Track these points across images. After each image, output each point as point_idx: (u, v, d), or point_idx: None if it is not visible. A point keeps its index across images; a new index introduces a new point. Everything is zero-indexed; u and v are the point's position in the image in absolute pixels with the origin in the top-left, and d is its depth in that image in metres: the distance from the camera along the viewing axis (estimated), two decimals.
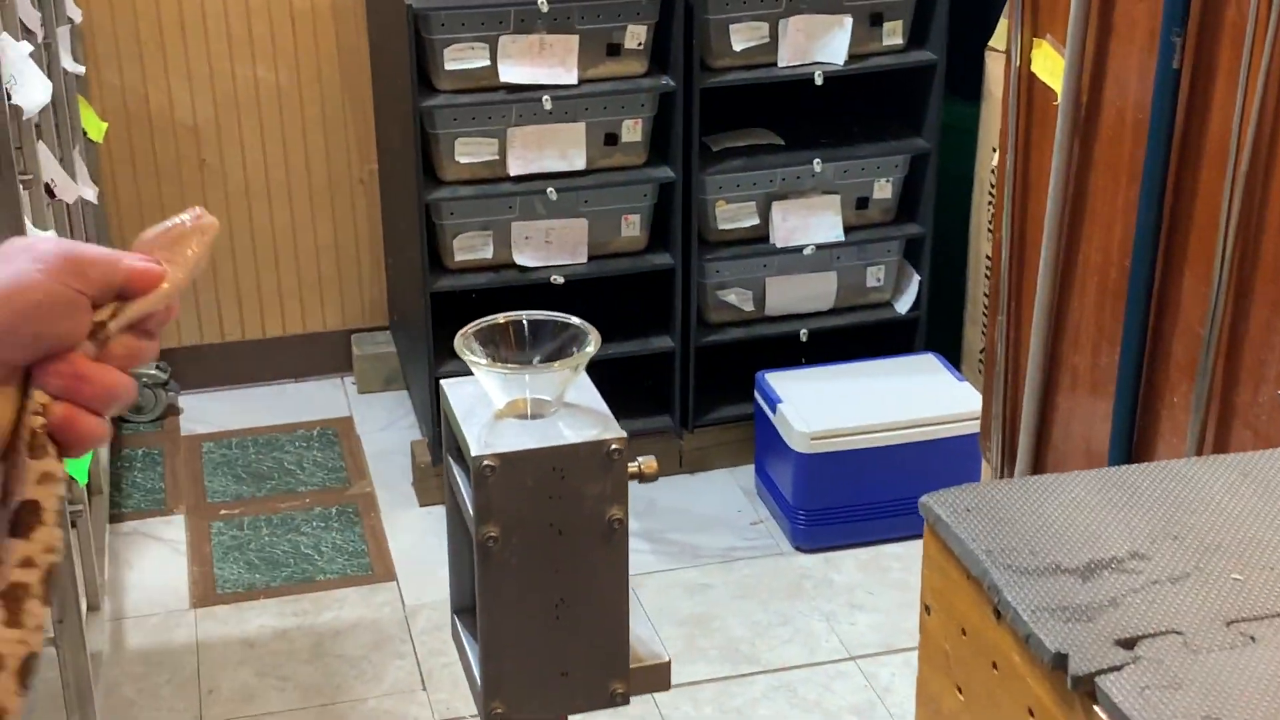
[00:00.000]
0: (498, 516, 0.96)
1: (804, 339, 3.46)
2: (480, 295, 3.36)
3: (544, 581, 0.99)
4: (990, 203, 3.45)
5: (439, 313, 3.28)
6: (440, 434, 0.99)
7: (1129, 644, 1.09)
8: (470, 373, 1.03)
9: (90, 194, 3.11)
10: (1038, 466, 2.15)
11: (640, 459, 1.00)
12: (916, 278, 3.49)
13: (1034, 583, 1.10)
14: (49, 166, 2.41)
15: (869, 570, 3.21)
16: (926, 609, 1.17)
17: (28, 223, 2.08)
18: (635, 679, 1.05)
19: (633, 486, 3.46)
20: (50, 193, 2.38)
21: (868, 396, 3.29)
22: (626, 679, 1.05)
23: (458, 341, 0.96)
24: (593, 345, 1.02)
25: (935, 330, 3.54)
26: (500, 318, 1.03)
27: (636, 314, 3.48)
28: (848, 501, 3.24)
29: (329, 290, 3.86)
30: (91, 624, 2.75)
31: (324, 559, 3.24)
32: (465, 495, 1.00)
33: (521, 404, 1.01)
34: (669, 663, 1.07)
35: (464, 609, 1.10)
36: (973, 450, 3.25)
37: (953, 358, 3.54)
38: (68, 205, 2.55)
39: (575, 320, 1.05)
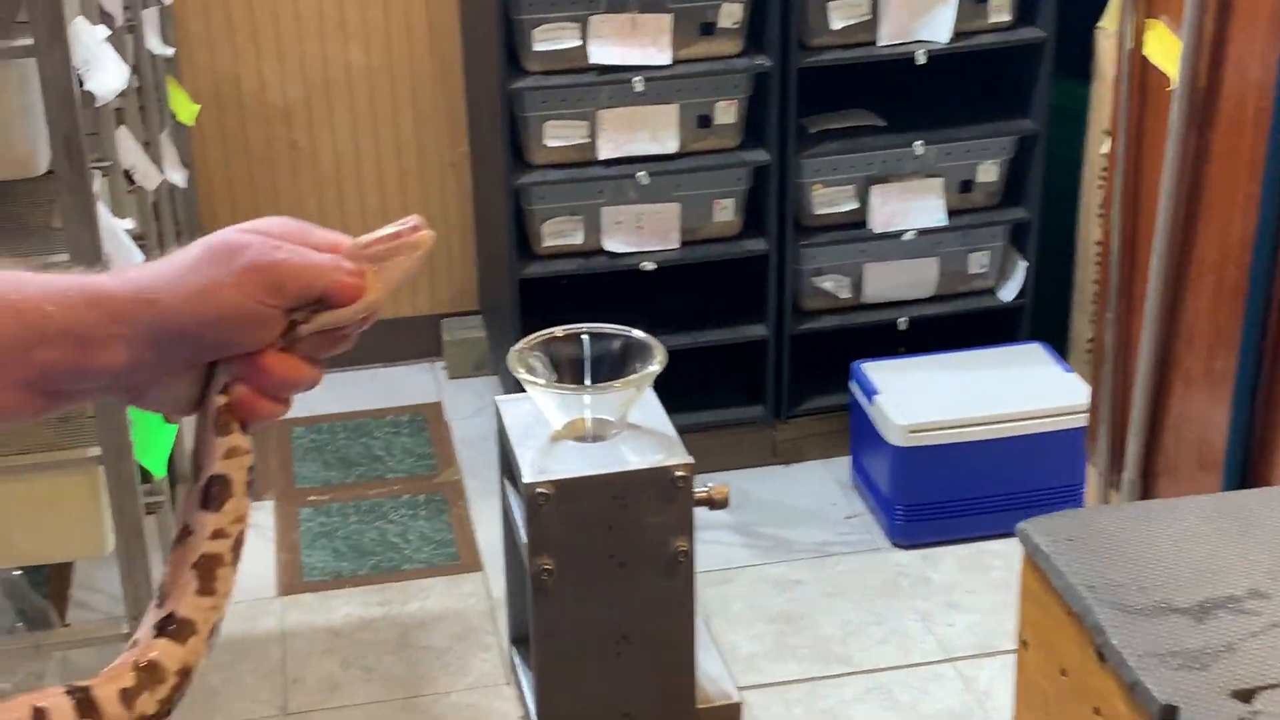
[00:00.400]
0: (553, 548, 0.89)
1: (903, 328, 3.35)
2: (569, 282, 3.29)
3: (603, 617, 0.92)
4: (1101, 186, 3.31)
5: (528, 299, 3.22)
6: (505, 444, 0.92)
7: (1246, 696, 0.99)
8: None
9: (179, 178, 3.09)
10: (1147, 472, 2.03)
11: (710, 485, 0.92)
12: (1022, 264, 3.36)
13: (1141, 624, 1.01)
14: (129, 153, 2.37)
15: (969, 568, 3.10)
16: (1024, 643, 1.09)
17: (104, 211, 2.05)
18: None
19: (726, 478, 3.37)
20: (130, 179, 2.35)
21: (969, 388, 3.18)
22: None
23: (511, 357, 0.88)
24: (658, 363, 0.93)
25: (1041, 319, 3.41)
26: (558, 331, 0.95)
27: (729, 301, 3.40)
28: (947, 496, 3.13)
29: (419, 275, 3.81)
30: None
31: (411, 547, 3.20)
32: (519, 523, 0.92)
33: (581, 425, 0.93)
34: (739, 704, 0.99)
35: (521, 639, 1.03)
36: (1079, 445, 3.12)
37: (1060, 348, 3.41)
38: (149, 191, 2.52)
39: (639, 334, 0.96)
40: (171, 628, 0.76)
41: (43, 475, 1.98)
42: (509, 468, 0.93)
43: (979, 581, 3.06)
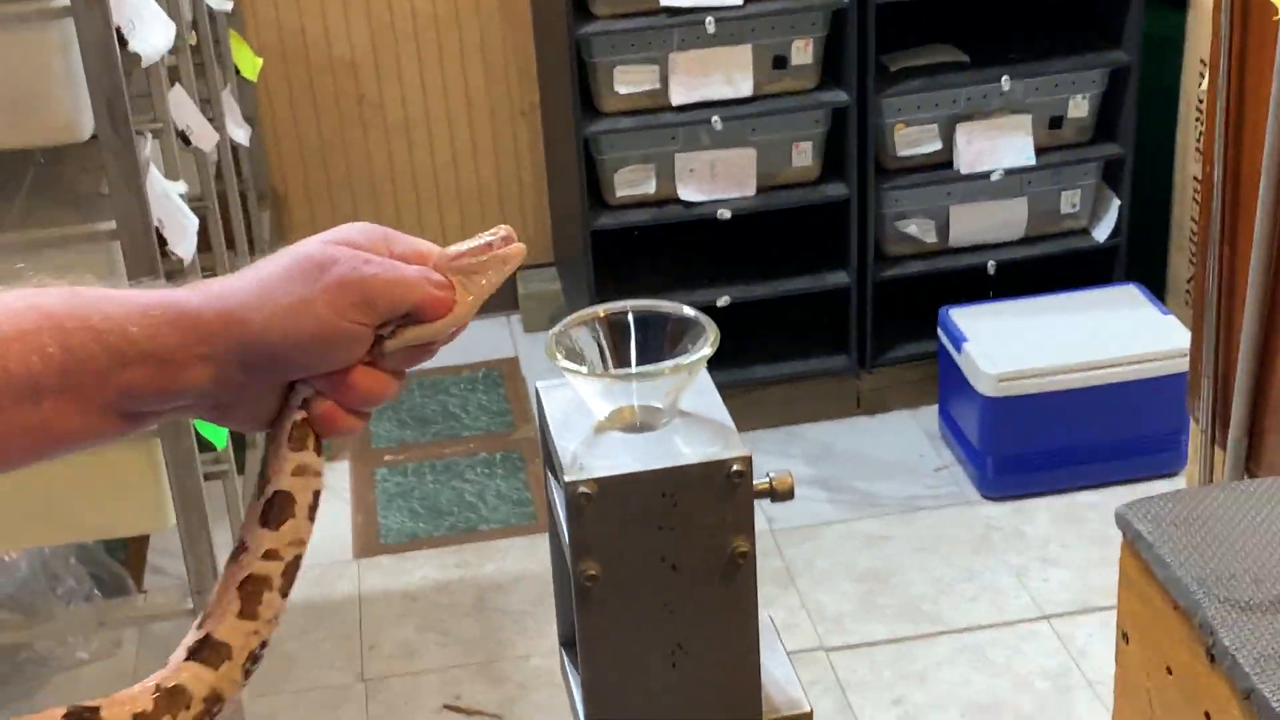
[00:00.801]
0: (597, 551, 0.81)
1: (991, 272, 3.22)
2: (643, 233, 3.20)
3: (656, 625, 0.84)
4: (1199, 119, 3.15)
5: (601, 251, 3.13)
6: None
7: None
8: None
9: (241, 135, 3.02)
10: (1254, 430, 1.91)
11: (772, 474, 0.83)
12: (1116, 202, 3.21)
13: (1258, 622, 0.91)
14: (184, 112, 2.30)
15: (1063, 522, 2.98)
16: (1124, 636, 0.99)
17: (156, 174, 1.98)
18: None
19: (809, 431, 3.27)
20: (185, 140, 2.28)
21: (1062, 333, 3.05)
22: None
23: (548, 342, 0.80)
24: (710, 344, 0.84)
25: (1137, 259, 3.27)
26: (600, 310, 0.86)
27: (810, 249, 3.28)
28: (1039, 447, 3.01)
29: (492, 226, 3.72)
30: None
31: (488, 508, 3.14)
32: (561, 522, 0.85)
33: (628, 414, 0.84)
34: (810, 713, 0.90)
35: (569, 642, 0.95)
36: (1179, 391, 2.99)
37: (1156, 289, 3.27)
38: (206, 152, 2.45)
39: (690, 311, 0.87)
40: (206, 651, 0.71)
41: (101, 450, 1.92)
42: (550, 460, 0.85)
43: (1073, 535, 2.94)
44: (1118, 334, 3.03)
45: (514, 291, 3.75)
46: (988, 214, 3.21)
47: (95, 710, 0.70)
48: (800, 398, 3.29)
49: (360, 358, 0.74)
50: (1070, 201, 3.23)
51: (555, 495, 0.90)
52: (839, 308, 3.24)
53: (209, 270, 2.55)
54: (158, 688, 0.70)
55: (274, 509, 0.74)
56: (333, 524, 3.12)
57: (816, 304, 3.28)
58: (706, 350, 0.82)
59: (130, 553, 2.94)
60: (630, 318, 0.87)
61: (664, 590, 0.85)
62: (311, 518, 0.76)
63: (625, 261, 3.26)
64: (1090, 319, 3.09)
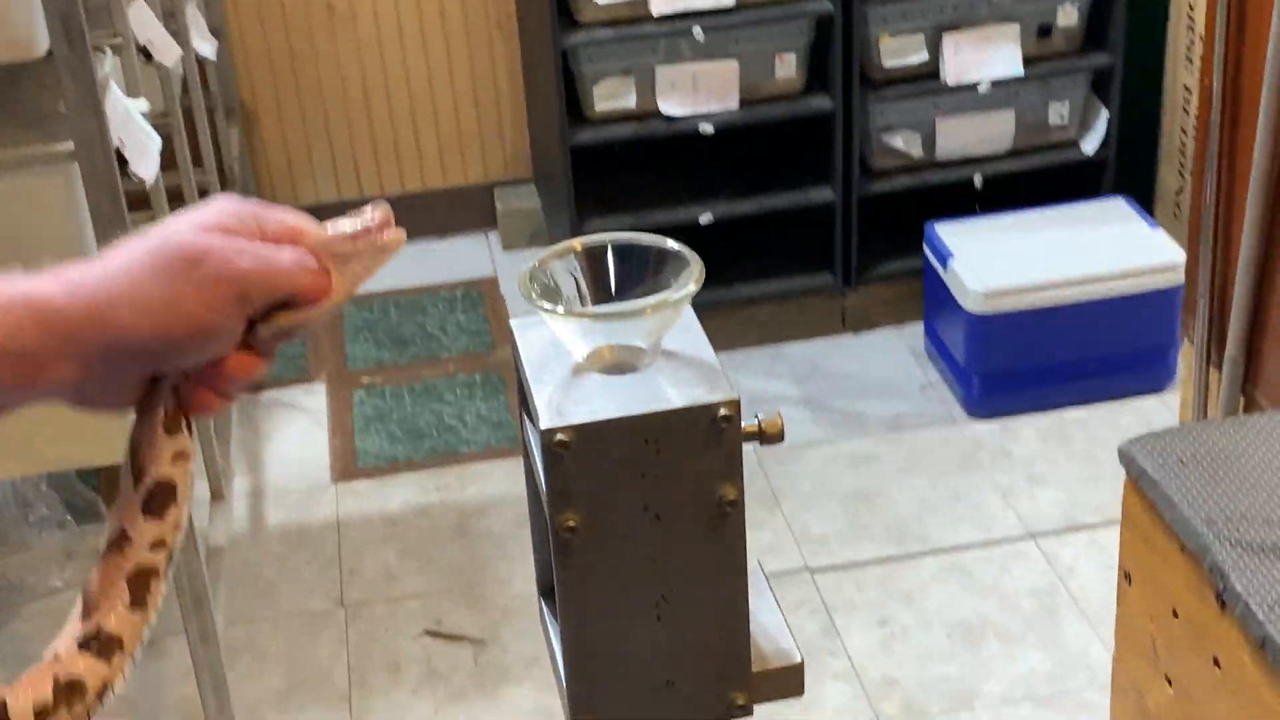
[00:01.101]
0: (577, 502, 0.76)
1: (979, 186, 3.16)
2: (623, 148, 3.12)
3: (640, 577, 0.79)
4: (1190, 27, 3.08)
5: (581, 167, 3.06)
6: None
7: None
8: None
9: (208, 49, 2.94)
10: (1251, 350, 1.86)
11: (760, 416, 0.77)
12: (1105, 114, 3.15)
13: (1271, 566, 0.86)
14: (145, 26, 2.22)
15: (1049, 439, 2.94)
16: (1126, 576, 0.94)
17: (117, 92, 1.90)
18: (759, 685, 0.85)
19: (794, 349, 3.22)
20: (147, 55, 2.20)
21: (1049, 248, 2.99)
22: (748, 686, 0.84)
23: (521, 279, 0.74)
24: (695, 279, 0.78)
25: (1125, 172, 3.21)
26: (577, 243, 0.80)
27: (793, 164, 3.22)
28: (1027, 364, 2.97)
29: (469, 142, 3.65)
30: (216, 515, 2.64)
31: (468, 429, 3.09)
32: (539, 470, 0.79)
33: (608, 353, 0.79)
34: (801, 664, 0.86)
35: (549, 591, 0.90)
36: (1168, 307, 2.95)
37: (1145, 202, 3.21)
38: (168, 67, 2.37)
39: (674, 244, 0.81)
40: (98, 643, 0.71)
41: None
42: (526, 403, 0.80)
43: (1061, 453, 2.91)
44: (1106, 249, 2.98)
45: (492, 209, 3.68)
46: (975, 127, 3.14)
47: (3, 705, 0.69)
48: (785, 316, 3.24)
49: (231, 348, 0.74)
50: (1058, 113, 3.17)
51: (531, 440, 0.84)
52: (824, 224, 3.18)
53: (174, 190, 2.47)
54: (57, 680, 0.70)
55: (157, 498, 0.73)
56: (310, 448, 3.07)
57: (801, 220, 3.21)
58: (691, 287, 0.76)
59: (103, 479, 2.89)
60: (610, 251, 0.81)
61: (647, 541, 0.80)
62: (188, 500, 0.76)
63: (606, 177, 3.19)
64: (1078, 233, 3.04)
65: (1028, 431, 2.97)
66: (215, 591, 2.28)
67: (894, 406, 3.06)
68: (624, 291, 0.80)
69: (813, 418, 3.03)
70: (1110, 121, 3.14)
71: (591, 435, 0.76)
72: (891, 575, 2.66)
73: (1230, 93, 1.97)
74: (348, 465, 3.02)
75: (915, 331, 3.23)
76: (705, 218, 3.06)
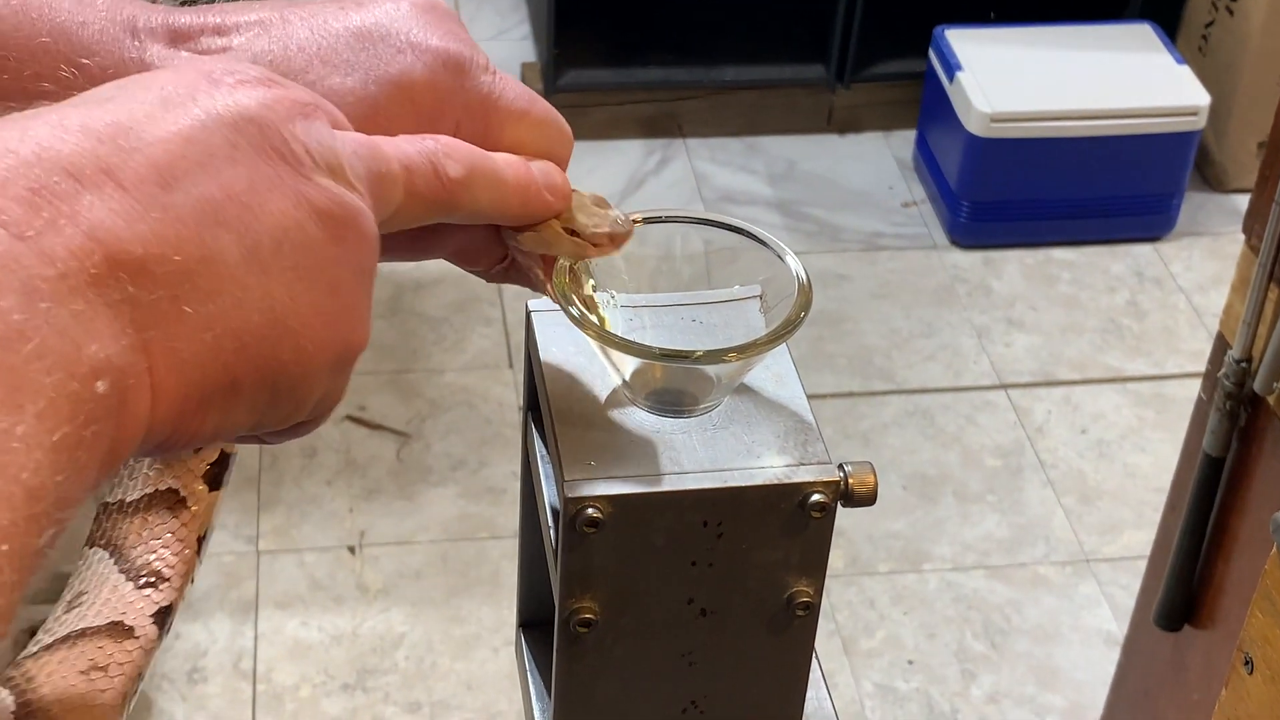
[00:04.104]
0: (600, 589, 0.55)
1: None
2: None
3: (670, 677, 0.59)
4: None
5: None
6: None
7: None
8: None
9: None
10: None
11: (850, 468, 0.56)
12: None
13: None
14: None
15: (1034, 278, 2.75)
16: (1247, 661, 0.76)
17: None
18: None
19: (772, 144, 2.95)
20: None
21: (1065, 73, 2.74)
22: None
23: (556, 276, 0.51)
24: (801, 306, 0.54)
25: None
26: (639, 214, 0.54)
27: None
28: (1022, 195, 2.75)
29: None
30: None
31: None
32: (550, 530, 0.58)
33: (660, 373, 0.56)
34: None
35: (534, 623, 0.70)
36: (1182, 153, 2.73)
37: (1170, 30, 2.95)
38: None
39: (761, 233, 0.56)
40: None
41: None
42: (534, 403, 0.58)
43: (1043, 296, 2.72)
44: (1125, 81, 2.74)
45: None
46: None
47: None
48: (767, 106, 2.97)
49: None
50: None
51: (537, 443, 0.63)
52: (823, 10, 2.89)
53: None
54: None
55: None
56: None
57: (797, 7, 2.92)
58: (803, 313, 0.53)
59: None
60: (679, 240, 0.57)
61: (686, 639, 0.59)
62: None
63: None
64: (1097, 60, 2.78)
65: (1012, 268, 2.77)
66: None
67: (872, 223, 2.84)
68: (692, 287, 0.58)
69: (785, 224, 2.81)
70: None
71: (632, 509, 0.55)
72: (850, 412, 2.49)
73: None
74: None
75: (905, 141, 2.99)
76: None
